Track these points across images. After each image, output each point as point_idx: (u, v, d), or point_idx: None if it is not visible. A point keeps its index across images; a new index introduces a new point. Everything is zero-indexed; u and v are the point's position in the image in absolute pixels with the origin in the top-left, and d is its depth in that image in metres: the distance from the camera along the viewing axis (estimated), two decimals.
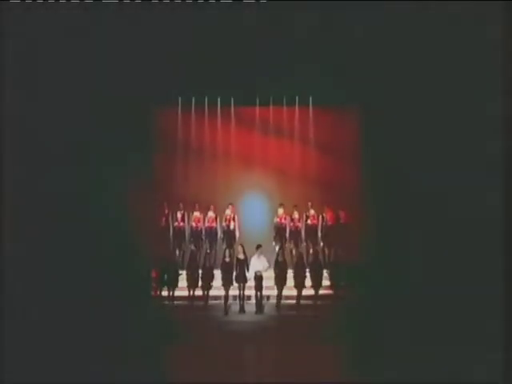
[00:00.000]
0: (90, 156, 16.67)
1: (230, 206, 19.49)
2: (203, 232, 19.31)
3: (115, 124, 17.73)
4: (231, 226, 19.38)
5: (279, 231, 19.31)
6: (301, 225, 19.29)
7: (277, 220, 19.39)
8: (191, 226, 19.25)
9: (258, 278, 17.87)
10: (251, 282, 17.94)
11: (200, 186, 20.11)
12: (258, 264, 17.97)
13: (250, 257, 18.05)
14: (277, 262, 17.76)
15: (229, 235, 19.23)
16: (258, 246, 18.18)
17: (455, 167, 17.34)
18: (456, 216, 17.03)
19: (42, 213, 16.00)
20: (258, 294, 17.86)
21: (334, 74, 17.87)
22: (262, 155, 20.21)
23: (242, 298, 17.87)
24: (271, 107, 19.86)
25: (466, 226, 17.06)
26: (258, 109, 19.88)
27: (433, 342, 12.47)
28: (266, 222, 19.81)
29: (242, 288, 17.84)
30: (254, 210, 20.10)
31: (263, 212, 20.07)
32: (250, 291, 17.89)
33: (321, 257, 18.41)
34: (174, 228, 19.22)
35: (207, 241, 19.31)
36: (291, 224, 19.28)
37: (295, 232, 19.30)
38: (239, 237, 19.29)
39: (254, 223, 19.74)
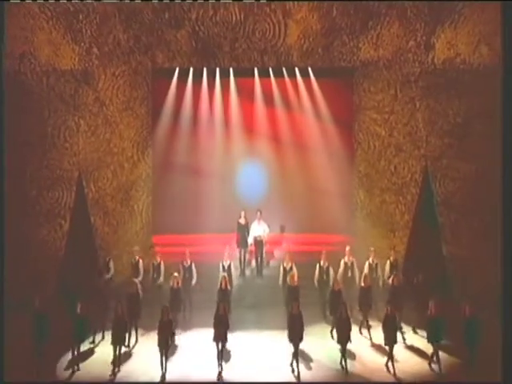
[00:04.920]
0: None
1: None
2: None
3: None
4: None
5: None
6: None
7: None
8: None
9: (258, 243, 18.72)
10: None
11: (200, 152, 20.57)
12: (259, 229, 18.80)
13: (251, 222, 18.82)
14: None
15: None
16: (258, 211, 18.85)
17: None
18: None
19: None
20: (258, 258, 18.73)
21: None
22: (260, 125, 20.58)
23: (243, 262, 18.71)
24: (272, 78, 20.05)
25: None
26: (256, 79, 20.07)
27: None
28: (265, 188, 20.31)
29: (243, 252, 18.63)
30: (253, 176, 20.45)
31: (262, 178, 20.50)
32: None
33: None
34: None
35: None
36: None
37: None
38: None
39: (253, 189, 20.15)
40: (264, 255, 18.92)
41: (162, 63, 18.88)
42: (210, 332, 14.45)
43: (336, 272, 16.93)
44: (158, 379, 13.86)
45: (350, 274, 16.97)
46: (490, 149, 18.22)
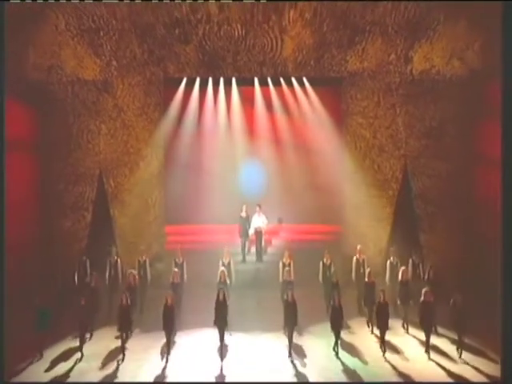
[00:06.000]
0: None
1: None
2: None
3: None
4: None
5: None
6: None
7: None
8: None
9: (258, 233, 20.37)
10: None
11: (205, 152, 21.55)
12: (259, 220, 20.38)
13: (251, 215, 20.27)
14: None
15: None
16: (258, 205, 20.32)
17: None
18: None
19: None
20: (258, 246, 20.39)
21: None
22: (260, 128, 21.68)
23: (245, 249, 20.31)
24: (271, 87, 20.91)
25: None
26: (256, 88, 20.98)
27: None
28: (264, 184, 21.29)
29: (244, 242, 20.25)
30: (253, 174, 21.46)
31: (261, 176, 21.52)
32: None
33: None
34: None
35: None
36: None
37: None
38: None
39: (253, 186, 21.16)
40: (263, 243, 20.32)
41: (173, 73, 19.71)
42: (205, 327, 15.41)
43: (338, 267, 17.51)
44: (150, 376, 13.89)
45: (362, 270, 17.29)
46: (462, 149, 19.65)
